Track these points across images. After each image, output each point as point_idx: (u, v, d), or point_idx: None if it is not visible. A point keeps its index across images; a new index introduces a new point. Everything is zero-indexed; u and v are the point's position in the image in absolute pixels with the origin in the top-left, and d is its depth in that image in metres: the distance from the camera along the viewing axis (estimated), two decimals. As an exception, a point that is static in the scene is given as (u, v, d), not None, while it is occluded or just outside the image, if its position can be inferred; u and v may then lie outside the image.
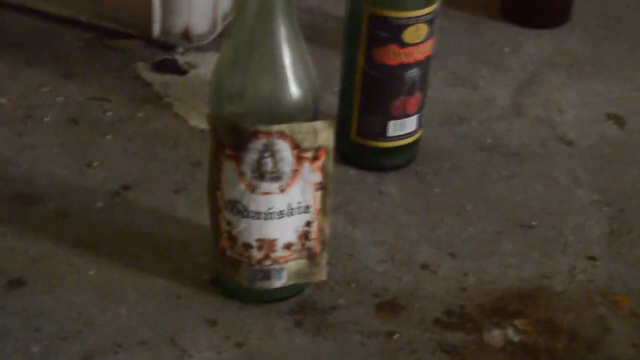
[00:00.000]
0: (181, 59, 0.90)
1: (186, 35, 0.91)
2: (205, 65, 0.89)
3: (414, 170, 0.79)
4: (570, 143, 0.85)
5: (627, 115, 0.89)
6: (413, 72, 0.74)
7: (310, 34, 0.84)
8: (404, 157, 0.79)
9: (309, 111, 0.61)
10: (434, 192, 0.78)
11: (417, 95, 0.76)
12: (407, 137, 0.77)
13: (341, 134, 0.77)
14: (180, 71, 0.89)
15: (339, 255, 0.70)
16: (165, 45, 0.91)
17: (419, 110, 0.77)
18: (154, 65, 0.89)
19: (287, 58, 0.59)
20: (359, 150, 0.78)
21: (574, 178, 0.80)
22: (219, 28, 0.92)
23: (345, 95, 0.77)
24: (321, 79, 0.62)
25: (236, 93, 0.60)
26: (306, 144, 0.60)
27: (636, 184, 0.80)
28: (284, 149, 0.59)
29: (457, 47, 0.97)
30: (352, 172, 0.78)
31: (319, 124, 0.60)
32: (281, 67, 0.59)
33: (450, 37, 0.98)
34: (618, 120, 0.88)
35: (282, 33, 0.59)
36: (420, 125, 0.78)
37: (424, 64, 0.75)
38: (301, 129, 0.59)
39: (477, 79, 0.93)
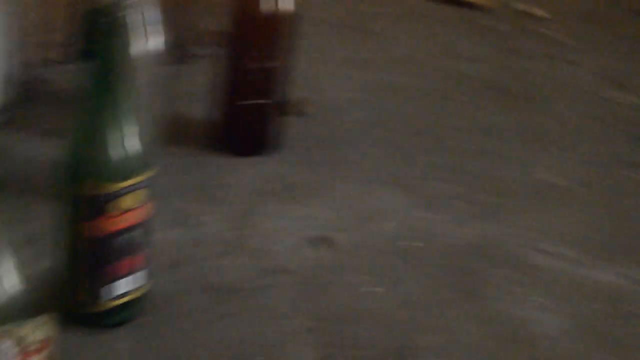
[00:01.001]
0: None
1: None
2: None
3: (144, 321, 0.84)
4: (286, 271, 0.93)
5: (336, 237, 0.99)
6: (128, 236, 0.78)
7: (27, 186, 0.87)
8: (130, 312, 0.83)
9: (27, 308, 0.65)
10: (164, 340, 0.82)
11: (136, 255, 0.80)
12: (131, 294, 0.82)
13: (67, 299, 0.80)
14: None
15: None
16: None
17: (140, 268, 0.82)
18: None
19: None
20: (86, 313, 0.81)
21: (291, 306, 0.88)
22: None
23: (64, 263, 0.80)
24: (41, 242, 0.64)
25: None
26: (30, 340, 0.63)
27: (346, 306, 0.89)
28: (8, 347, 0.63)
29: (180, 184, 1.03)
30: (84, 334, 0.80)
31: (38, 320, 0.64)
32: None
33: (173, 175, 1.04)
34: (328, 242, 0.98)
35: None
36: (145, 278, 0.83)
37: (139, 227, 0.79)
38: (22, 327, 0.63)
39: (199, 215, 0.99)
